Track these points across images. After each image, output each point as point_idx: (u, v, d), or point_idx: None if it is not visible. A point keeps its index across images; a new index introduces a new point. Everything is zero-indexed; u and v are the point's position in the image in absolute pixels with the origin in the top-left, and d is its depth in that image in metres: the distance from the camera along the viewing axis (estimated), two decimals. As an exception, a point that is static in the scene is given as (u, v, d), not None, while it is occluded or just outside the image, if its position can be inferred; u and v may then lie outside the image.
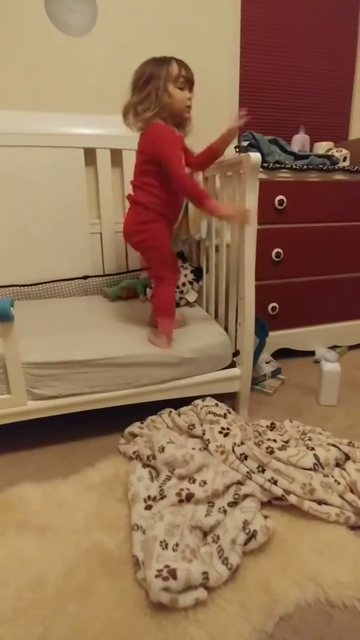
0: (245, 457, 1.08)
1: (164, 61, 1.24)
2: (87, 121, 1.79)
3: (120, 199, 1.93)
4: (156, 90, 1.23)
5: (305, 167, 1.64)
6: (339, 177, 1.71)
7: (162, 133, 1.25)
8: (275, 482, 1.01)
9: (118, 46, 1.79)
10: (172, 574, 0.76)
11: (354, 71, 2.28)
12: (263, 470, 1.04)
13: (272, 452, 1.07)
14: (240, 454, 1.09)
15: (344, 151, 1.87)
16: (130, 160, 1.84)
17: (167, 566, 0.78)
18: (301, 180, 1.67)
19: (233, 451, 1.11)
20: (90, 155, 1.81)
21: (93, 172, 1.85)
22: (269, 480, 1.01)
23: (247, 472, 1.05)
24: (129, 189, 1.91)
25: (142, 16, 1.81)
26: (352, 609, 0.77)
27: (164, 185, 1.29)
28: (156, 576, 0.76)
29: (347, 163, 1.88)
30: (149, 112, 1.24)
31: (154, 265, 1.39)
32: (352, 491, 1.01)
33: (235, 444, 1.13)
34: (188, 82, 1.28)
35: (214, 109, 2.02)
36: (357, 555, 0.87)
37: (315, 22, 2.12)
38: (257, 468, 1.05)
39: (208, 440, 1.16)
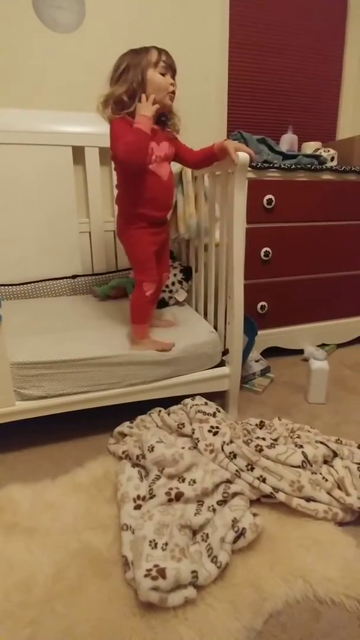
0: (235, 456, 1.09)
1: (142, 49, 1.19)
2: (75, 119, 1.77)
3: (109, 197, 1.92)
4: (135, 79, 1.17)
5: (293, 166, 1.65)
6: (327, 176, 1.72)
7: (114, 130, 1.19)
8: (264, 480, 1.01)
9: (106, 43, 1.78)
10: (161, 573, 0.76)
11: (341, 72, 2.30)
12: (252, 469, 1.04)
13: (261, 450, 1.07)
14: (230, 453, 1.10)
15: (332, 151, 1.89)
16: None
17: (156, 565, 0.78)
18: (289, 179, 1.68)
19: (222, 450, 1.11)
20: (78, 153, 1.79)
21: (82, 171, 1.84)
22: (258, 478, 1.02)
23: (236, 471, 1.05)
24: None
25: (130, 14, 1.81)
26: (340, 605, 0.78)
27: (132, 183, 1.24)
28: (145, 576, 0.76)
29: (334, 163, 1.89)
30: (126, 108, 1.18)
31: (133, 267, 1.38)
32: (339, 488, 1.02)
33: (224, 442, 1.13)
34: (170, 69, 1.21)
35: (202, 108, 2.02)
36: (345, 551, 0.88)
37: (304, 22, 2.14)
38: (246, 466, 1.05)
39: (197, 439, 1.16)
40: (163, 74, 1.19)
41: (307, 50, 2.19)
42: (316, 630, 0.74)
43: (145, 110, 1.16)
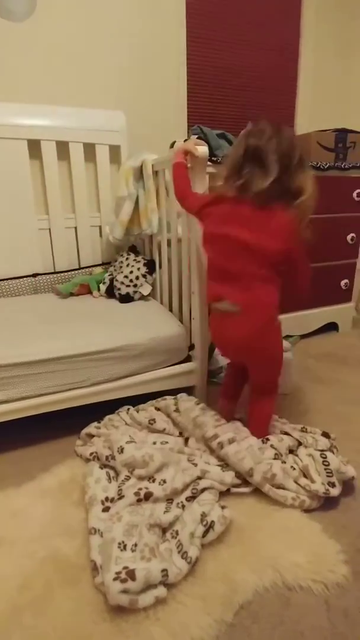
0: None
1: None
2: (30, 111, 1.70)
3: (68, 193, 1.86)
4: None
5: (253, 161, 1.66)
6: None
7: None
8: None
9: (61, 32, 1.72)
10: (131, 575, 0.75)
11: (297, 68, 2.34)
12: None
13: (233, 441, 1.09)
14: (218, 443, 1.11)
15: (290, 146, 1.92)
16: (78, 153, 1.78)
17: (125, 567, 0.77)
18: (250, 174, 1.68)
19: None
20: (34, 147, 1.72)
21: (39, 166, 1.77)
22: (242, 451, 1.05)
23: (230, 439, 1.07)
24: (79, 183, 1.85)
25: (84, 3, 1.75)
26: (308, 589, 0.80)
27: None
28: (114, 579, 0.75)
29: (293, 157, 1.92)
30: None
31: (274, 371, 1.19)
32: (305, 476, 1.05)
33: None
34: None
35: (162, 103, 2.00)
36: (311, 537, 0.90)
37: (260, 17, 2.15)
38: (231, 440, 1.07)
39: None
40: None
41: (264, 46, 2.21)
42: (286, 616, 0.76)
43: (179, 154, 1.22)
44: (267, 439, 1.12)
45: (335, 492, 0.99)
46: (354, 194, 1.97)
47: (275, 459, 1.06)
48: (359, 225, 2.07)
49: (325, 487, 0.99)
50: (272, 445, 1.09)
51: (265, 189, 0.97)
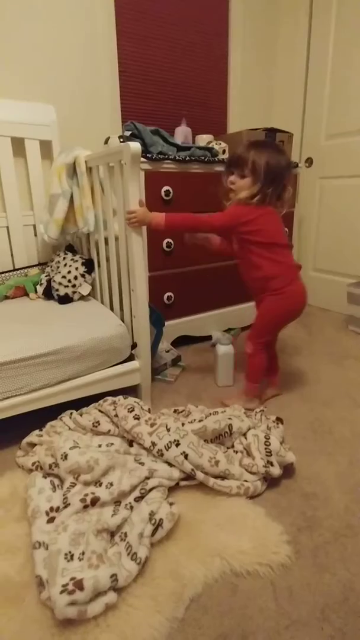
0: (168, 430, 1.11)
1: None
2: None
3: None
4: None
5: (188, 158, 1.68)
6: (219, 168, 1.78)
7: None
8: (186, 457, 1.04)
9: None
10: (78, 585, 0.73)
11: (227, 67, 2.39)
12: (178, 444, 1.07)
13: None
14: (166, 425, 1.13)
15: (223, 144, 1.96)
16: (5, 148, 1.68)
17: (72, 578, 0.75)
18: (185, 171, 1.70)
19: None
20: None
21: None
22: (182, 454, 1.05)
23: (165, 445, 1.07)
24: (9, 180, 1.74)
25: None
26: (255, 574, 0.83)
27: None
28: (61, 592, 0.72)
29: (225, 155, 1.97)
30: None
31: None
32: (248, 455, 1.10)
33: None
34: (230, 165, 1.33)
35: (95, 99, 1.94)
36: (255, 522, 0.94)
37: (188, 15, 2.16)
38: (174, 442, 1.07)
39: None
40: (232, 172, 1.32)
41: (193, 44, 2.22)
42: (234, 603, 0.78)
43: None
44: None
45: (275, 471, 1.05)
46: (285, 191, 2.06)
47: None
48: (290, 220, 2.18)
49: (264, 462, 1.05)
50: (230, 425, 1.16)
51: None
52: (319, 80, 2.33)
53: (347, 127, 2.24)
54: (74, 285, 1.61)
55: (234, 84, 2.42)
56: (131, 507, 0.93)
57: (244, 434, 1.19)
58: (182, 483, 1.05)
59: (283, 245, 1.35)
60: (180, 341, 1.91)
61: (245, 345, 1.43)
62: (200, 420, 1.18)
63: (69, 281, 1.60)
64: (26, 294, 1.71)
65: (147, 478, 1.01)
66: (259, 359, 1.41)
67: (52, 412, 1.27)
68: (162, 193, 1.65)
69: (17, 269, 1.83)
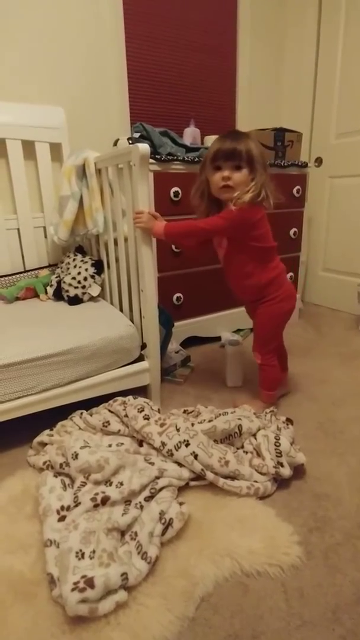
0: (178, 429, 1.12)
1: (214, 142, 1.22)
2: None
3: (8, 193, 1.77)
4: (202, 179, 1.27)
5: (197, 159, 1.68)
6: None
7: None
8: (196, 457, 1.04)
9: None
10: (89, 583, 0.74)
11: (235, 67, 2.39)
12: (187, 444, 1.07)
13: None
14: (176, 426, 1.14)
15: (232, 144, 1.96)
16: (17, 151, 1.70)
17: (83, 576, 0.75)
18: (194, 172, 1.69)
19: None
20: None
21: None
22: (192, 454, 1.05)
23: (175, 445, 1.07)
24: (19, 183, 1.77)
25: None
26: (265, 574, 0.82)
27: None
28: (72, 589, 0.73)
29: (235, 155, 1.97)
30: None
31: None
32: (258, 455, 1.10)
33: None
34: (225, 157, 1.17)
35: (103, 100, 1.96)
36: (266, 522, 0.93)
37: (196, 17, 2.17)
38: (183, 442, 1.07)
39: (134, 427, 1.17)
40: (219, 168, 1.19)
41: (201, 45, 2.23)
42: (245, 603, 0.78)
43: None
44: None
45: (285, 472, 1.04)
46: (294, 190, 2.06)
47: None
48: (299, 220, 2.16)
49: (274, 463, 1.05)
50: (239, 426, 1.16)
51: None
52: (328, 78, 2.32)
53: (358, 126, 2.22)
54: (83, 287, 1.62)
55: (242, 84, 2.42)
56: (141, 507, 0.93)
57: (254, 435, 1.18)
58: (192, 483, 1.05)
59: (275, 247, 1.31)
60: (190, 342, 1.91)
61: (253, 356, 1.40)
62: (209, 421, 1.18)
63: (79, 282, 1.62)
64: (36, 295, 1.73)
65: (157, 478, 1.01)
66: (272, 367, 1.38)
67: (62, 412, 1.28)
68: (171, 194, 1.66)
69: (28, 271, 1.85)
